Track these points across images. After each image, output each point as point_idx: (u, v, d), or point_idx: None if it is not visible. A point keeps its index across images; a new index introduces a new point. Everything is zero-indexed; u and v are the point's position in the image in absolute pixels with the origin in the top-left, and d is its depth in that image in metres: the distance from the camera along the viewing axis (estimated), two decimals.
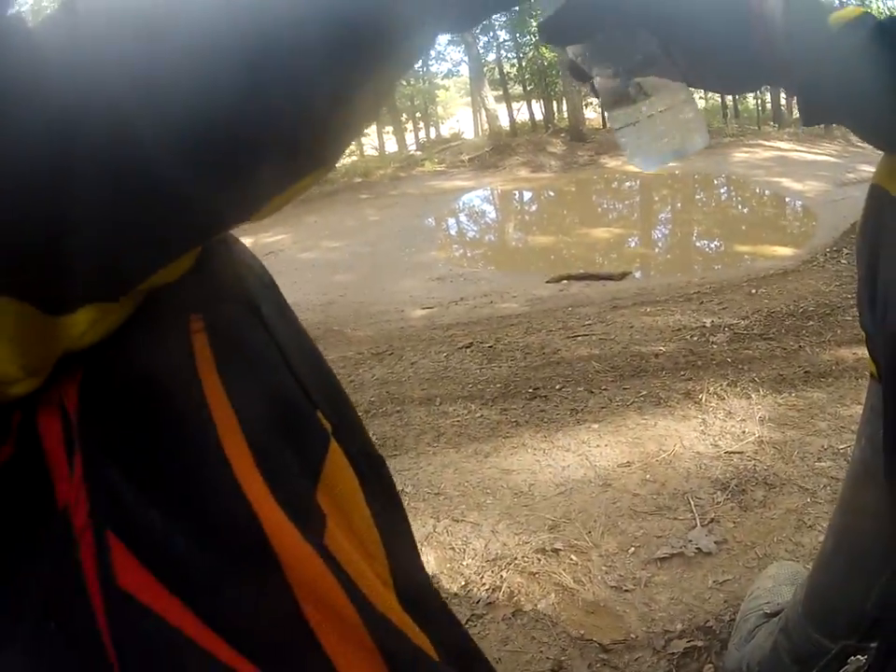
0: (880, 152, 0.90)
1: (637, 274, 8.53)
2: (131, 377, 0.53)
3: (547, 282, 8.18)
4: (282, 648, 0.56)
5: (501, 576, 2.28)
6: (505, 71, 27.88)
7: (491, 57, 26.69)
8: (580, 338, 4.69)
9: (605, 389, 3.71)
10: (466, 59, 26.15)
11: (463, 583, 2.28)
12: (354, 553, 0.62)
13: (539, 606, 2.13)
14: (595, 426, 3.29)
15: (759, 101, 24.85)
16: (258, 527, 0.54)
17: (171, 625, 0.52)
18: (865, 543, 1.29)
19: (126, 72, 0.41)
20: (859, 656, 1.38)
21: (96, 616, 0.51)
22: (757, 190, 13.87)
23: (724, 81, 0.80)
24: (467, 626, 2.09)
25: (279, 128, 0.48)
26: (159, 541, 0.52)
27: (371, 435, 0.79)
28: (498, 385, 4.01)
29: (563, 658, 1.95)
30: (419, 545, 2.47)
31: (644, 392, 3.59)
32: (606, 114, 0.82)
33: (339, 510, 0.63)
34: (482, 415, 3.60)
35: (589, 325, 5.01)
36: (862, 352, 3.63)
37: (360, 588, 0.60)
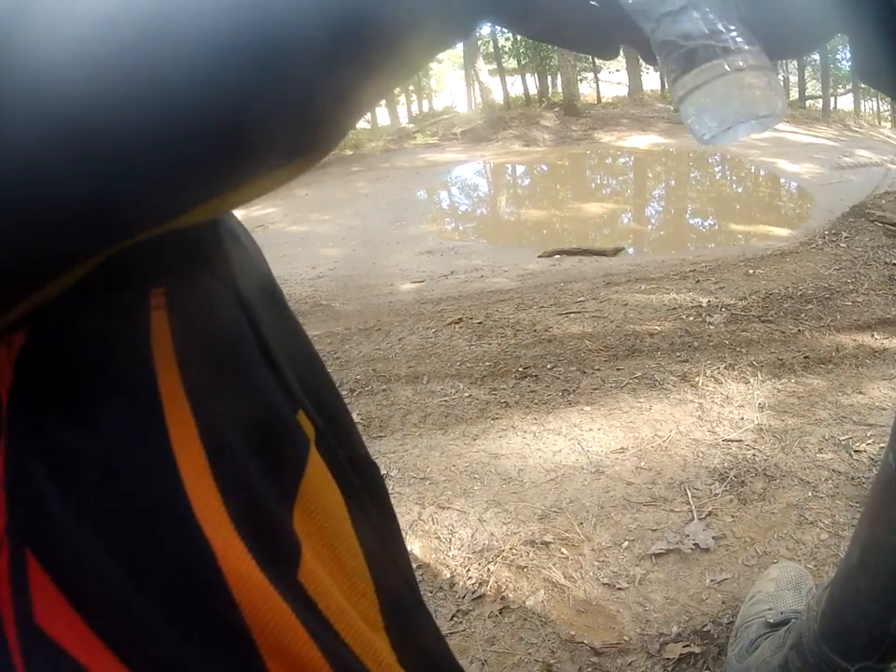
0: (879, 137, 0.78)
1: (631, 251, 8.46)
2: (76, 359, 0.46)
3: (539, 256, 8.10)
4: None
5: (488, 569, 2.19)
6: (499, 45, 27.91)
7: (485, 31, 26.65)
8: (572, 315, 4.60)
9: (598, 370, 3.62)
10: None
11: (448, 576, 2.19)
12: (335, 590, 0.53)
13: (527, 603, 2.05)
14: (588, 408, 3.21)
15: None
16: (211, 562, 0.45)
17: None
18: (894, 559, 1.19)
19: (122, 73, 0.37)
20: None
21: (9, 650, 0.42)
22: (752, 170, 13.83)
23: (800, 42, 0.70)
24: (451, 623, 2.01)
25: (276, 125, 0.44)
26: (84, 570, 0.43)
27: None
28: (488, 364, 3.92)
29: (552, 661, 1.87)
30: (403, 533, 2.39)
31: (638, 373, 3.51)
32: (666, 68, 0.68)
33: (319, 536, 0.54)
34: (470, 395, 3.51)
35: (581, 302, 4.92)
36: (863, 339, 3.57)
37: (340, 634, 0.51)
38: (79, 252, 0.40)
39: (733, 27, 0.64)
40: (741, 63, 0.64)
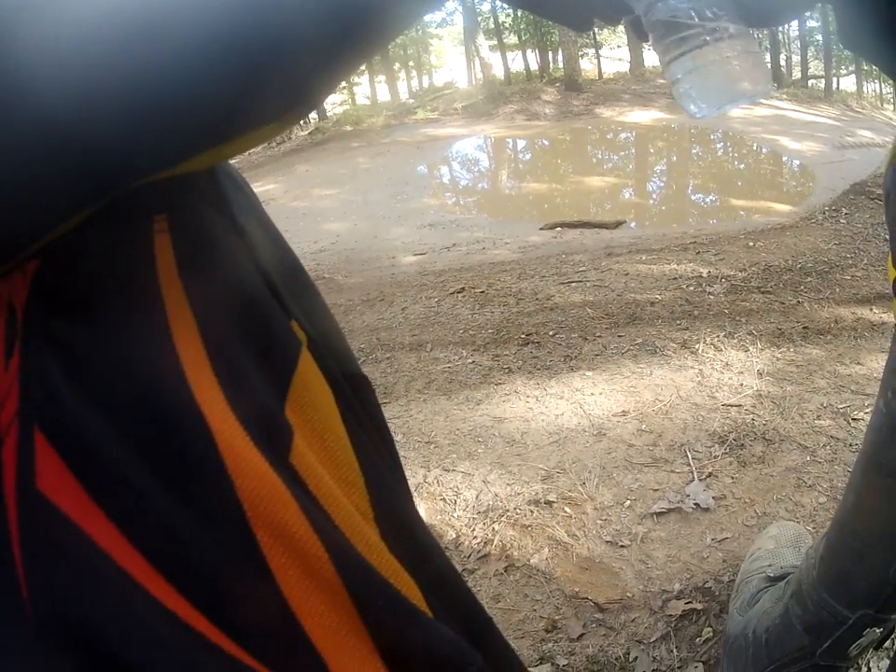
0: (882, 119, 0.82)
1: (632, 224, 8.43)
2: (85, 275, 0.49)
3: (541, 229, 8.09)
4: (217, 575, 0.50)
5: (493, 528, 2.22)
6: (500, 20, 27.73)
7: (486, 6, 26.51)
8: (573, 284, 4.62)
9: (599, 336, 3.65)
10: (460, 8, 26.01)
11: (454, 536, 2.22)
12: (326, 475, 0.56)
13: (531, 561, 2.08)
14: (590, 373, 3.23)
15: None
16: (207, 438, 0.49)
17: (86, 536, 0.46)
18: (888, 503, 1.22)
19: (117, 64, 0.39)
20: (875, 628, 1.31)
21: (7, 516, 0.46)
22: (754, 147, 13.75)
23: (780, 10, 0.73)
24: None
25: (269, 104, 0.47)
26: (92, 445, 0.47)
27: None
28: (490, 331, 3.95)
29: (557, 617, 1.89)
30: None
31: (639, 340, 3.53)
32: (659, 47, 0.71)
33: (310, 428, 0.57)
34: (473, 361, 3.54)
35: (583, 272, 4.94)
36: (862, 312, 3.59)
37: (331, 516, 0.54)
38: (84, 200, 0.43)
39: (718, 8, 0.67)
40: (726, 45, 0.67)
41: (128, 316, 0.50)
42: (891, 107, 21.73)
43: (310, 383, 0.59)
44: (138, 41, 0.39)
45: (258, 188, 12.66)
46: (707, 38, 0.67)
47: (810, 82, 24.38)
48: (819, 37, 25.45)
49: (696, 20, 0.67)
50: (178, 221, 0.53)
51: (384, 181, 12.71)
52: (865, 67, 22.47)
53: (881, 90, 25.59)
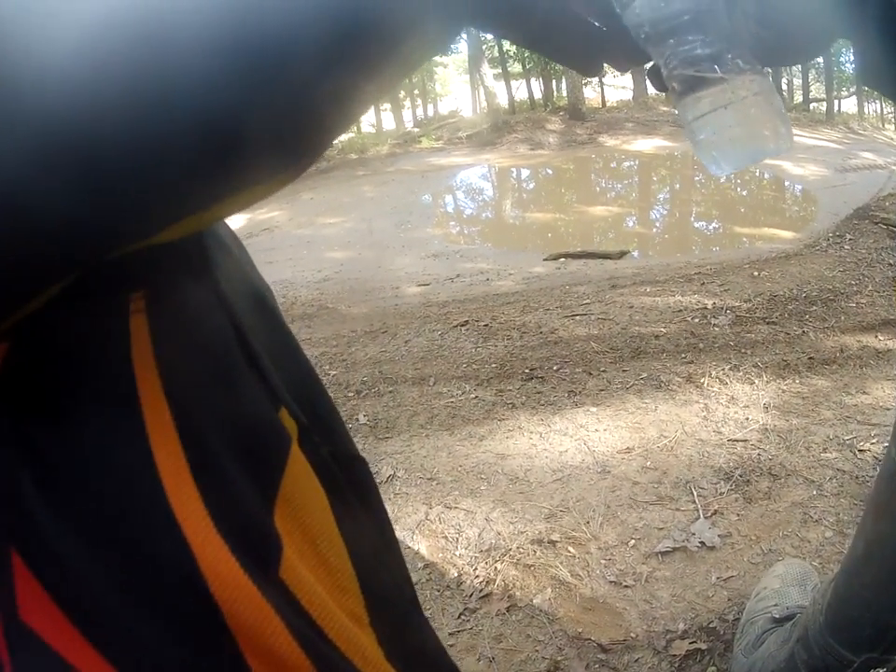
0: (883, 140, 0.81)
1: (636, 254, 8.44)
2: (55, 364, 0.46)
3: (544, 259, 8.09)
4: None
5: (495, 567, 2.20)
6: (504, 49, 27.87)
7: (491, 35, 26.63)
8: (577, 317, 4.61)
9: (603, 371, 3.63)
10: (464, 36, 26.15)
11: (456, 575, 2.20)
12: (318, 586, 0.53)
13: (534, 601, 2.06)
14: (594, 409, 3.21)
15: None
16: (190, 562, 0.45)
17: (72, 669, 0.43)
18: None
19: (113, 80, 0.36)
20: (879, 669, 1.30)
21: None
22: (756, 173, 13.79)
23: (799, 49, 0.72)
24: (459, 621, 2.02)
25: (271, 129, 0.44)
26: (69, 571, 0.44)
27: (359, 422, 0.70)
28: (494, 365, 3.93)
29: (559, 658, 1.87)
30: (410, 533, 2.42)
31: (644, 375, 3.51)
32: (680, 104, 0.69)
33: (301, 533, 0.54)
34: (476, 396, 3.52)
35: (587, 304, 4.93)
36: (867, 340, 3.58)
37: (324, 631, 0.51)
38: (69, 264, 0.40)
39: (738, 52, 0.66)
40: (751, 101, 0.66)
41: (101, 415, 0.46)
42: (892, 127, 21.81)
43: (301, 482, 0.56)
44: (122, 61, 0.37)
45: (262, 214, 12.75)
46: (731, 96, 0.66)
47: (812, 105, 24.49)
48: (821, 60, 25.59)
49: (719, 73, 0.65)
50: (156, 299, 0.49)
51: (388, 210, 12.75)
52: (866, 89, 22.56)
53: (882, 110, 25.68)
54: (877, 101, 25.64)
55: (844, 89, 25.77)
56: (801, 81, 26.18)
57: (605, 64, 0.73)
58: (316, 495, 0.58)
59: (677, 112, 0.70)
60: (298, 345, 0.69)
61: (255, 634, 0.47)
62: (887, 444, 1.22)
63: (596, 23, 0.67)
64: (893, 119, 23.11)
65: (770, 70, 0.70)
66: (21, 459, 0.44)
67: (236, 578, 0.47)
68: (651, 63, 0.70)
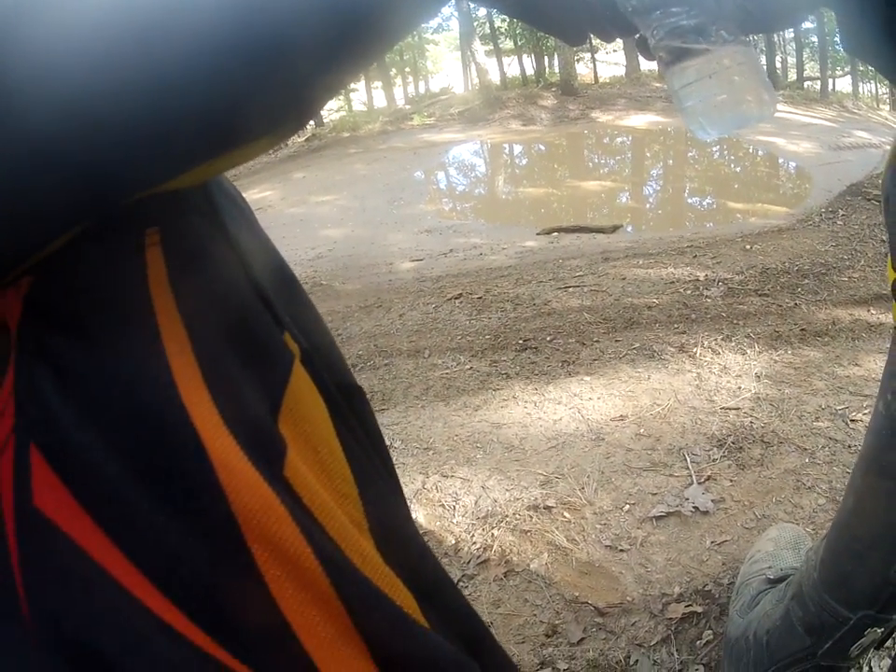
0: (877, 119, 0.83)
1: (629, 228, 8.43)
2: (77, 290, 0.50)
3: (537, 234, 8.08)
4: (213, 588, 0.50)
5: (492, 534, 2.22)
6: (496, 26, 27.76)
7: (482, 12, 26.51)
8: (571, 289, 4.63)
9: (597, 341, 3.65)
10: (456, 13, 26.04)
11: (453, 542, 2.22)
12: (320, 488, 0.56)
13: (531, 566, 2.08)
14: (587, 378, 3.23)
15: None
16: (201, 453, 0.49)
17: (83, 552, 0.47)
18: (888, 506, 1.22)
19: (111, 74, 0.40)
20: (876, 628, 1.31)
21: (5, 532, 0.47)
22: (750, 150, 13.77)
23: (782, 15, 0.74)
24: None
25: (268, 111, 0.48)
26: (87, 462, 0.47)
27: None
28: (488, 337, 3.95)
29: (557, 622, 1.89)
30: (408, 502, 2.43)
31: (637, 344, 3.53)
32: (666, 72, 0.71)
33: (303, 440, 0.57)
34: (471, 367, 3.54)
35: (580, 276, 4.95)
36: (859, 313, 3.59)
37: (325, 528, 0.54)
38: (79, 214, 0.44)
39: (722, 22, 0.68)
40: (735, 70, 0.68)
41: (120, 331, 0.50)
42: (887, 108, 21.77)
43: (303, 395, 0.59)
44: (132, 50, 0.39)
45: (254, 194, 12.71)
46: (716, 66, 0.67)
47: (806, 84, 24.44)
48: (815, 39, 25.52)
49: (703, 45, 0.67)
50: (170, 233, 0.53)
51: (381, 187, 12.70)
52: (861, 68, 22.50)
53: (877, 90, 25.64)
54: (872, 81, 25.61)
55: (838, 68, 25.73)
56: (795, 60, 26.13)
57: (591, 35, 0.75)
58: (318, 409, 0.61)
59: (664, 81, 0.72)
60: (298, 282, 0.72)
61: (258, 520, 0.50)
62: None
63: None
64: (888, 100, 23.07)
65: (757, 38, 0.72)
66: (43, 367, 0.47)
67: (243, 468, 0.50)
68: (639, 34, 0.72)
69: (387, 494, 0.70)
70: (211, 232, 0.58)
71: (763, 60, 23.27)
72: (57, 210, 0.42)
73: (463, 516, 2.33)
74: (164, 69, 0.40)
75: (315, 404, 0.61)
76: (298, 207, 11.88)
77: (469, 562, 2.13)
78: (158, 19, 0.40)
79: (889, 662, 1.60)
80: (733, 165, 13.34)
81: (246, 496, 0.49)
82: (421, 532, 2.21)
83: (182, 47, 0.41)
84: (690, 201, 10.83)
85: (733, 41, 0.68)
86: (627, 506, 2.28)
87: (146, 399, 0.49)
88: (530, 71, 28.13)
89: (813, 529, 2.08)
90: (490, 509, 2.35)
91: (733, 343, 3.42)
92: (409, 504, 2.39)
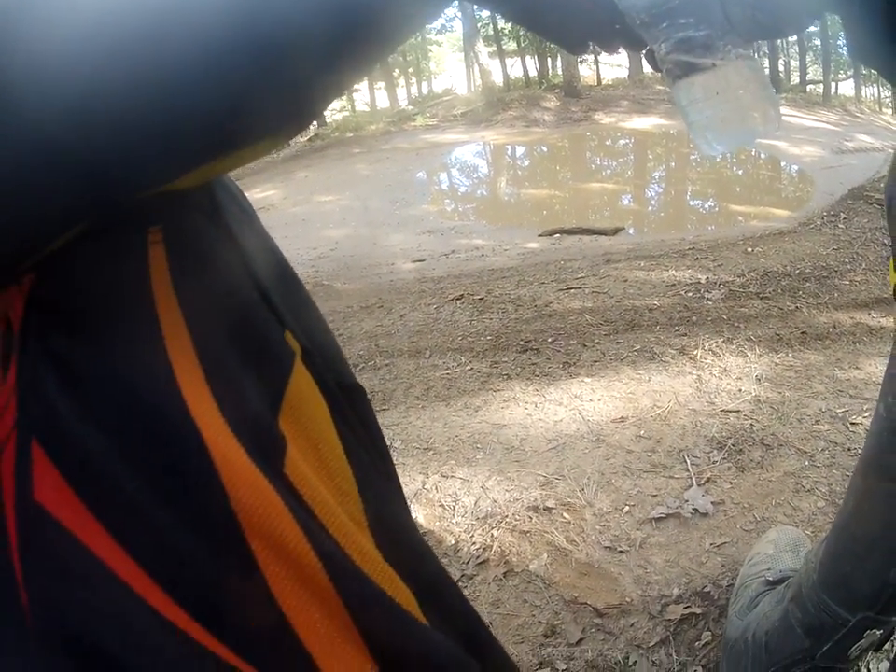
0: (880, 123, 0.83)
1: (631, 230, 8.45)
2: (80, 288, 0.50)
3: (539, 235, 8.10)
4: (213, 584, 0.50)
5: (492, 534, 2.22)
6: (499, 27, 27.75)
7: (485, 13, 26.49)
8: (572, 291, 4.62)
9: (598, 343, 3.65)
10: (459, 14, 26.01)
11: (453, 542, 2.22)
12: (320, 485, 0.57)
13: (530, 566, 2.08)
14: (588, 379, 3.23)
15: None
16: (202, 450, 0.49)
17: (84, 546, 0.47)
18: (888, 508, 1.22)
19: (114, 74, 0.40)
20: (875, 630, 1.31)
21: (6, 525, 0.47)
22: (753, 153, 13.77)
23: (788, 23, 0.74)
24: None
25: (270, 111, 0.48)
26: (88, 458, 0.48)
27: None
28: (489, 338, 3.95)
29: (556, 622, 1.89)
30: (408, 502, 2.43)
31: (638, 347, 3.53)
32: (674, 88, 0.72)
33: (304, 438, 0.58)
34: (472, 368, 3.54)
35: (581, 278, 4.94)
36: (860, 317, 3.59)
37: (325, 525, 0.55)
38: (82, 213, 0.44)
39: (729, 36, 0.68)
40: (742, 85, 0.68)
41: (122, 329, 0.50)
42: (890, 112, 21.75)
43: (304, 393, 0.60)
44: (135, 49, 0.39)
45: (257, 194, 12.71)
46: (723, 82, 0.68)
47: (809, 87, 24.41)
48: (818, 42, 25.50)
49: (711, 60, 0.67)
50: (173, 232, 0.53)
51: (383, 188, 12.72)
52: (864, 72, 22.49)
53: (880, 94, 25.62)
54: (875, 84, 25.59)
55: (841, 71, 25.71)
56: (798, 63, 26.11)
57: (591, 44, 0.75)
58: (319, 408, 0.61)
59: (672, 95, 0.72)
60: (300, 282, 0.73)
61: (259, 516, 0.50)
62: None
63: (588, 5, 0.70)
64: (891, 104, 23.06)
65: (759, 42, 0.73)
66: (45, 363, 0.48)
67: (244, 465, 0.50)
68: (648, 47, 0.72)
69: (387, 492, 0.71)
70: (213, 231, 0.58)
71: (766, 63, 23.28)
72: (59, 209, 0.42)
73: (463, 516, 2.33)
74: (167, 68, 0.40)
75: (315, 402, 0.61)
76: (300, 207, 11.90)
77: (468, 562, 2.13)
78: (161, 18, 0.40)
79: (888, 664, 1.60)
80: (735, 168, 13.35)
81: (247, 492, 0.50)
82: (421, 532, 2.21)
83: (185, 47, 0.41)
84: (691, 203, 10.84)
85: (739, 55, 0.68)
86: (627, 507, 2.28)
87: (147, 395, 0.49)
88: (533, 72, 28.09)
89: (812, 532, 2.08)
90: (490, 509, 2.35)
91: (733, 346, 3.41)
92: (409, 504, 2.40)
